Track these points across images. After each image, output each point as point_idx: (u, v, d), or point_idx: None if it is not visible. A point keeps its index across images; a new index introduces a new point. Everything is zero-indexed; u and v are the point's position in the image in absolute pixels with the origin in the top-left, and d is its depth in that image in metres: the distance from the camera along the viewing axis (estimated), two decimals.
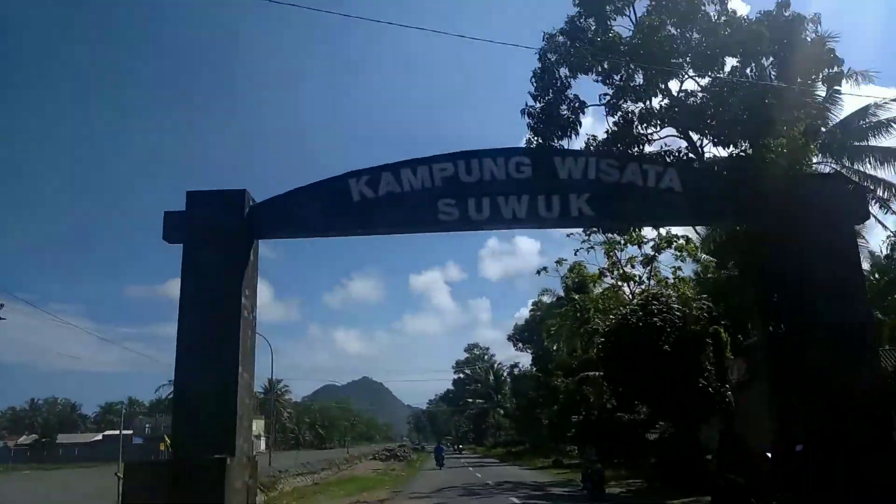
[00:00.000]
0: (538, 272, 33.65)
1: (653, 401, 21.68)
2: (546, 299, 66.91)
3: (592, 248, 31.77)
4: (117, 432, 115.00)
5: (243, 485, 13.43)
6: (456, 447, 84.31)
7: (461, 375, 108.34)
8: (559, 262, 33.02)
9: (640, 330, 21.20)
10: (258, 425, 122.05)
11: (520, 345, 73.25)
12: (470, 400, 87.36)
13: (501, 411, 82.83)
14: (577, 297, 50.03)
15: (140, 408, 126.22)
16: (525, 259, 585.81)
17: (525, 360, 75.33)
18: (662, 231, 29.87)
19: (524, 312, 78.22)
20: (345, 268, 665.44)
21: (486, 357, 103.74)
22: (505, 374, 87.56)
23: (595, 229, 26.80)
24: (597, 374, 32.40)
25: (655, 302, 22.28)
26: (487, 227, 14.73)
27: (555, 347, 69.10)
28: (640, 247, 31.59)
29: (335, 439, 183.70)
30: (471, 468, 43.23)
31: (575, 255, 32.13)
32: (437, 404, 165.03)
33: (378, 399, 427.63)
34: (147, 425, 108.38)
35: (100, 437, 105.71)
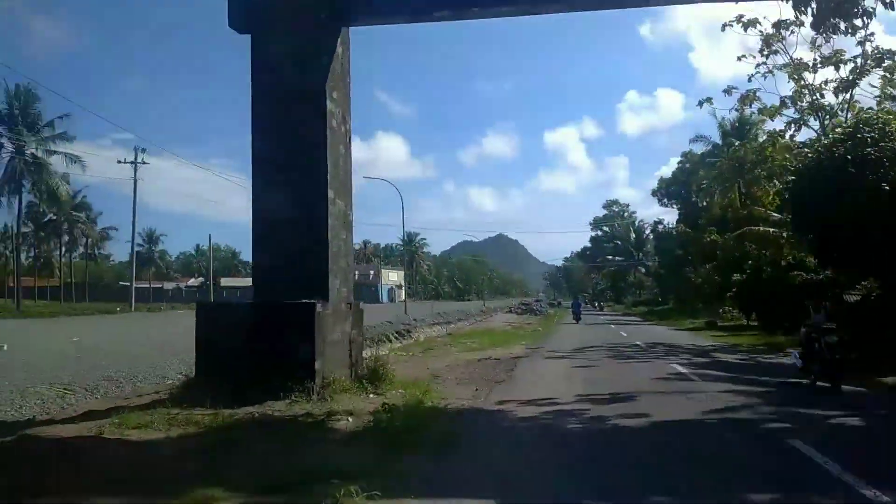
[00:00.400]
0: (699, 104, 27.17)
1: (860, 254, 16.80)
2: (697, 149, 60.03)
3: (771, 72, 25.33)
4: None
5: (343, 335, 10.96)
6: (596, 304, 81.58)
7: (599, 233, 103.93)
8: (728, 90, 26.61)
9: (848, 164, 16.09)
10: (398, 276, 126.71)
11: (665, 200, 67.43)
12: (609, 257, 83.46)
13: (643, 269, 78.54)
14: (736, 144, 43.60)
15: None
16: (667, 113, 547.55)
17: (670, 217, 69.65)
18: (868, 48, 23.06)
19: (665, 171, 72.23)
20: (479, 124, 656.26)
21: (625, 214, 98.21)
22: (647, 231, 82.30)
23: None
24: (761, 228, 27.49)
25: (867, 128, 16.85)
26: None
27: (705, 202, 63.04)
28: (837, 68, 24.79)
29: (472, 292, 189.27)
30: (613, 326, 40.27)
31: (749, 80, 25.80)
32: (573, 261, 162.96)
33: (513, 256, 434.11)
34: None
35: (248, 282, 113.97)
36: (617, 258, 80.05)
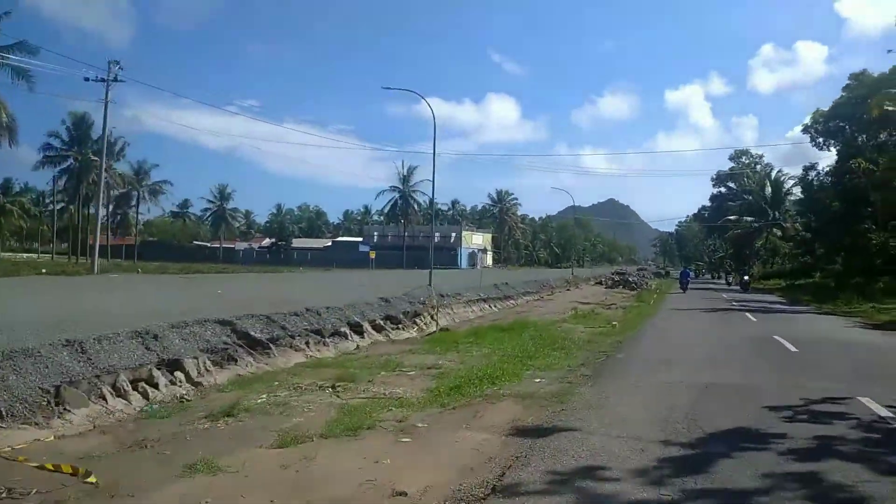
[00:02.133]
0: None
1: None
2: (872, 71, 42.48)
3: None
4: (347, 239, 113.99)
5: None
6: (716, 275, 63.49)
7: (722, 190, 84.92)
8: None
9: None
10: (484, 239, 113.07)
11: (820, 140, 49.14)
12: (732, 217, 65.37)
13: (778, 232, 60.30)
14: None
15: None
16: (807, 68, 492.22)
17: (824, 162, 51.20)
18: None
19: (797, 132, 54.22)
20: (595, 84, 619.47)
21: (757, 166, 78.76)
22: (789, 184, 63.47)
23: None
24: None
25: None
26: None
27: (881, 137, 44.90)
28: None
29: (573, 259, 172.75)
30: (746, 313, 24.75)
31: None
32: (689, 224, 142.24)
33: (624, 222, 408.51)
34: (375, 233, 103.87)
35: (329, 242, 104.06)
36: (746, 218, 62.12)
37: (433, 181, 38.65)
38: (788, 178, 63.79)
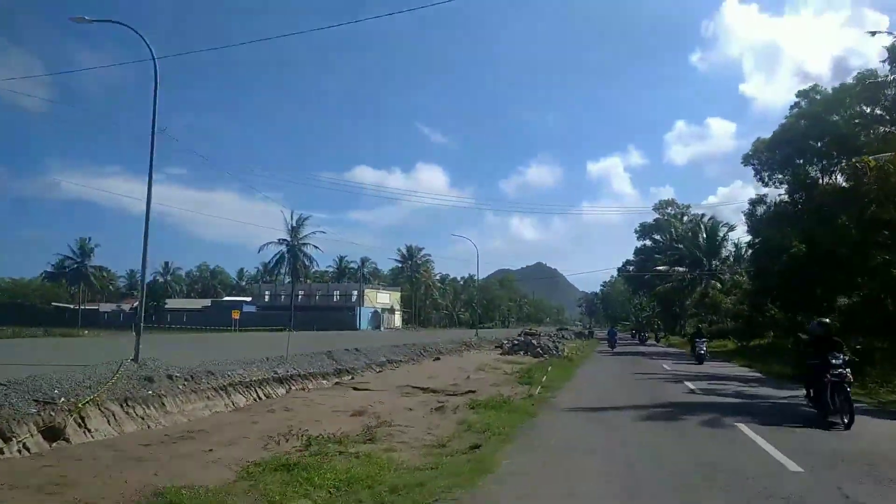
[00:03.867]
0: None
1: None
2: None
3: None
4: (232, 298, 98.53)
5: None
6: (639, 335, 51.79)
7: (647, 243, 75.09)
8: None
9: None
10: (392, 297, 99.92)
11: (764, 174, 38.79)
12: (662, 268, 54.73)
13: (718, 284, 49.68)
14: None
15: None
16: (717, 143, 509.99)
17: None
18: None
19: (712, 199, 46.24)
20: (521, 155, 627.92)
21: (684, 217, 69.31)
22: (723, 233, 53.30)
23: None
24: None
25: None
26: None
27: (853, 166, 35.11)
28: None
29: (497, 319, 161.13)
30: (756, 435, 9.87)
31: None
32: (614, 283, 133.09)
33: (551, 285, 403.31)
34: (267, 293, 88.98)
35: (208, 302, 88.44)
36: (677, 269, 51.63)
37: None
38: (723, 226, 53.75)
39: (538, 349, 30.48)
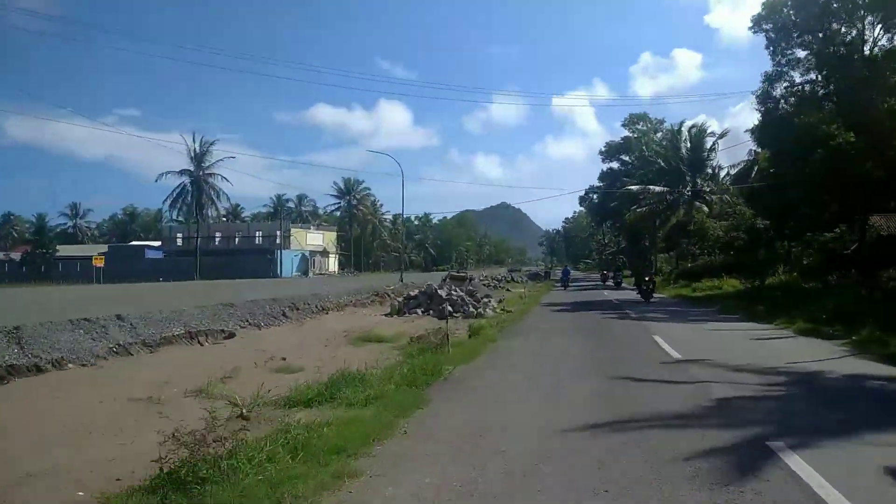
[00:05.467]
0: None
1: None
2: None
3: None
4: (139, 243, 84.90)
5: None
6: (613, 277, 38.86)
7: (614, 166, 63.46)
8: None
9: None
10: (326, 239, 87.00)
11: (783, 44, 26.55)
12: (633, 188, 43.13)
13: (705, 208, 38.06)
14: None
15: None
16: (683, 75, 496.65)
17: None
18: None
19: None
20: (484, 89, 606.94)
21: (658, 134, 57.46)
22: (711, 142, 41.44)
23: None
24: None
25: None
26: None
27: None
28: None
29: (454, 261, 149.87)
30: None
31: None
32: (577, 219, 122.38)
33: (516, 224, 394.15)
34: (179, 235, 75.52)
35: (105, 248, 74.81)
36: (651, 188, 40.10)
37: None
38: (709, 135, 41.80)
39: (447, 306, 18.69)
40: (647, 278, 24.92)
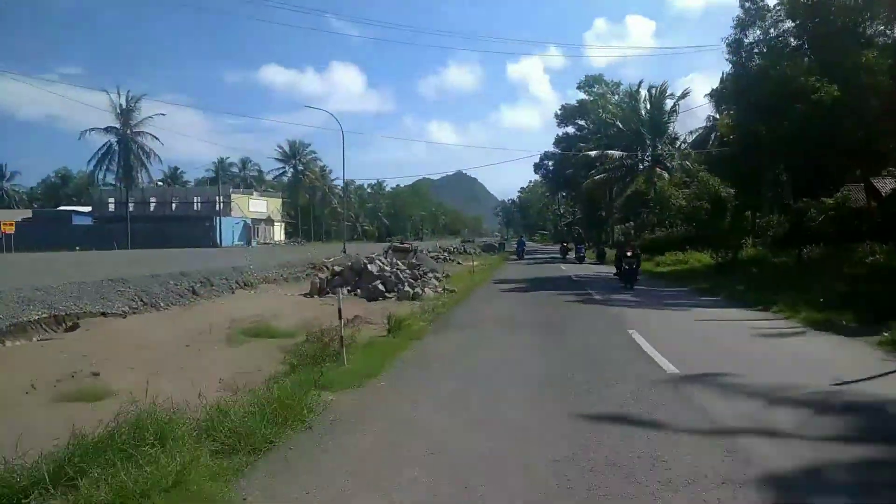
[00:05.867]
0: None
1: None
2: None
3: None
4: (67, 208, 78.74)
5: None
6: (574, 250, 35.49)
7: (570, 130, 60.68)
8: None
9: None
10: (271, 205, 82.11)
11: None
12: (590, 153, 40.30)
13: (666, 174, 35.52)
14: None
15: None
16: (637, 41, 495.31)
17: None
18: None
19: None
20: (439, 54, 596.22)
21: (617, 92, 54.63)
22: (671, 103, 38.82)
23: None
24: None
25: None
26: None
27: None
28: None
29: (408, 231, 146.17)
30: None
31: None
32: (532, 188, 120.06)
33: (472, 193, 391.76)
34: (111, 200, 69.64)
35: (29, 214, 68.75)
36: (611, 152, 37.24)
37: None
38: (668, 96, 39.07)
39: (378, 284, 15.45)
40: (629, 253, 18.94)
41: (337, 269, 16.58)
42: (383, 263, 18.04)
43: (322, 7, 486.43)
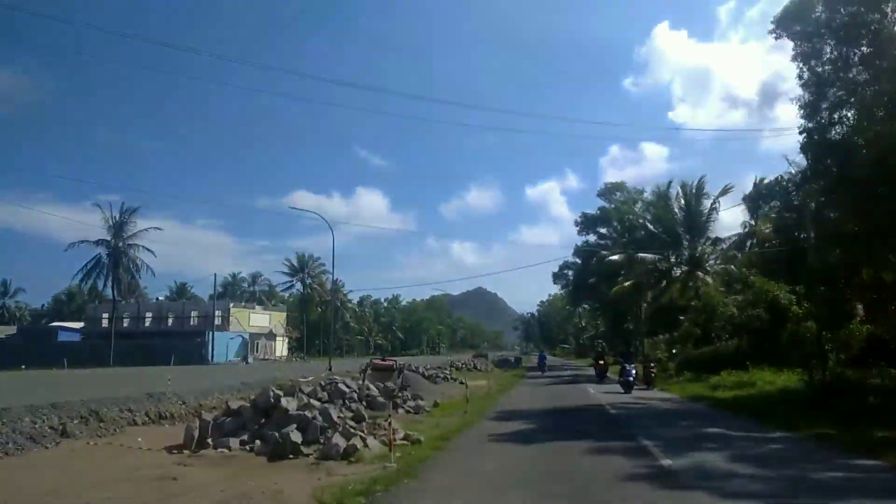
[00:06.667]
0: None
1: None
2: None
3: None
4: (59, 324, 73.95)
5: None
6: (602, 364, 27.33)
7: (591, 239, 55.68)
8: None
9: None
10: (274, 319, 76.48)
11: (804, 47, 19.02)
12: (614, 257, 34.68)
13: (707, 278, 29.41)
14: None
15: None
16: (652, 166, 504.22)
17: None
18: None
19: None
20: (460, 180, 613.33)
21: (638, 204, 49.93)
22: (712, 199, 33.48)
23: None
24: None
25: None
26: None
27: None
28: None
29: (425, 345, 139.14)
30: None
31: None
32: (552, 301, 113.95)
33: (492, 309, 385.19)
34: (104, 315, 64.90)
35: (14, 330, 64.10)
36: (640, 255, 31.62)
37: None
38: (705, 196, 33.83)
39: (290, 432, 9.41)
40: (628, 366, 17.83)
41: (234, 406, 10.66)
42: (341, 392, 12.23)
43: (349, 138, 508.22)
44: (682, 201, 31.95)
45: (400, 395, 17.59)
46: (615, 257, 34.00)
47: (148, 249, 52.36)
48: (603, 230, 54.33)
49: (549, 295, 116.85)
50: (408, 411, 15.90)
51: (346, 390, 16.17)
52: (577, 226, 55.61)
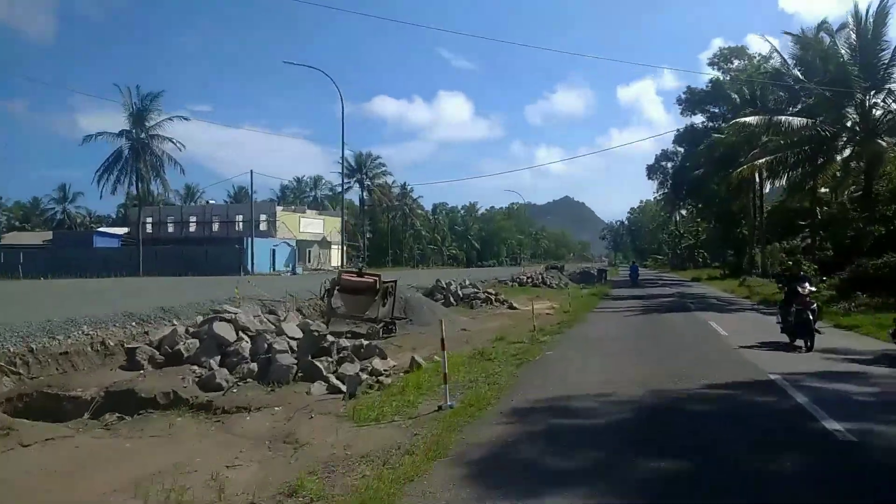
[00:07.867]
0: None
1: None
2: None
3: None
4: (104, 230, 70.70)
5: None
6: (794, 294, 16.11)
7: (697, 121, 44.19)
8: None
9: None
10: (327, 225, 69.52)
11: None
12: (749, 119, 23.94)
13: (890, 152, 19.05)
14: None
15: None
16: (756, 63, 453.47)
17: None
18: None
19: None
20: (547, 80, 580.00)
21: (765, 64, 37.54)
22: None
23: None
24: None
25: None
26: None
27: None
28: None
29: (503, 255, 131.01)
30: None
31: None
32: (644, 209, 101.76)
33: (580, 219, 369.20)
34: (149, 218, 60.43)
35: (49, 235, 60.97)
36: (788, 119, 21.24)
37: None
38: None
39: None
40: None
41: None
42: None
43: (430, 38, 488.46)
44: (853, 36, 20.46)
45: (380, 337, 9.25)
46: (748, 119, 23.29)
47: (172, 141, 45.82)
48: (714, 109, 42.62)
49: (641, 201, 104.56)
50: (333, 389, 7.62)
51: (230, 339, 8.02)
52: (679, 104, 44.21)
